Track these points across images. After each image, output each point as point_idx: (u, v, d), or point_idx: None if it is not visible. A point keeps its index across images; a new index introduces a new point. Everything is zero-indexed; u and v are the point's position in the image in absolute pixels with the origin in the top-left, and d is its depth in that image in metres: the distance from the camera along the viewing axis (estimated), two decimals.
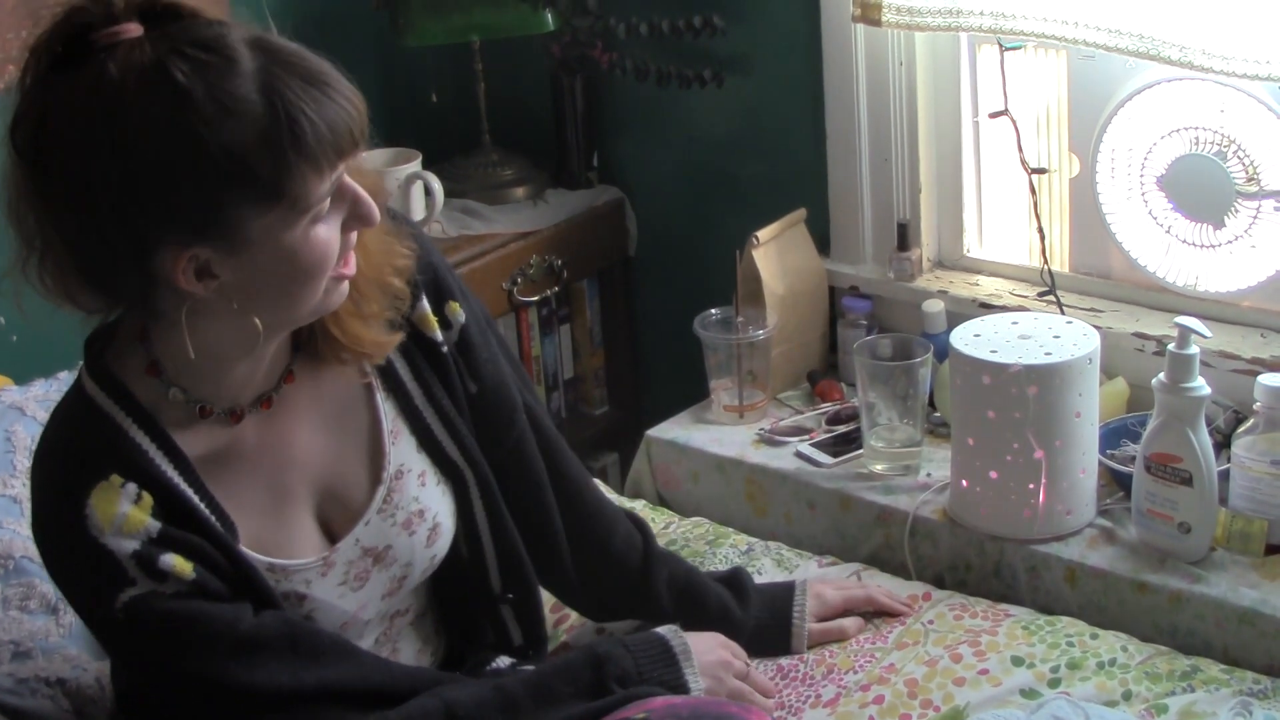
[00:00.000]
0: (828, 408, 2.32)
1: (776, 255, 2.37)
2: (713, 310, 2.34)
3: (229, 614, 1.36)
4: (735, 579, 1.78)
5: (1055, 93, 2.26)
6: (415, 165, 2.58)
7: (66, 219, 1.25)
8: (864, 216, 2.43)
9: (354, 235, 1.35)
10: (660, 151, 2.72)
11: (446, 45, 2.75)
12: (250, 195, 1.24)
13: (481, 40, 2.70)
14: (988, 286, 2.34)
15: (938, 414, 2.20)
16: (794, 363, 2.42)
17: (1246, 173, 2.03)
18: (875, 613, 1.82)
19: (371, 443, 1.49)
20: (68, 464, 1.35)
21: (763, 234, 2.35)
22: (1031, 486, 1.91)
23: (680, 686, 1.53)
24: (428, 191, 2.55)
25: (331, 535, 1.46)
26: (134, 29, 1.23)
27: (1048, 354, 1.89)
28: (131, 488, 1.33)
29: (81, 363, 1.40)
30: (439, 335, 1.51)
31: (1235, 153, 2.02)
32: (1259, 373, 1.86)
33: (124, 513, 1.32)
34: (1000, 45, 2.20)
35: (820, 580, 1.87)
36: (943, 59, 2.33)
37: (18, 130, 1.25)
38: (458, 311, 1.53)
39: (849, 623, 1.79)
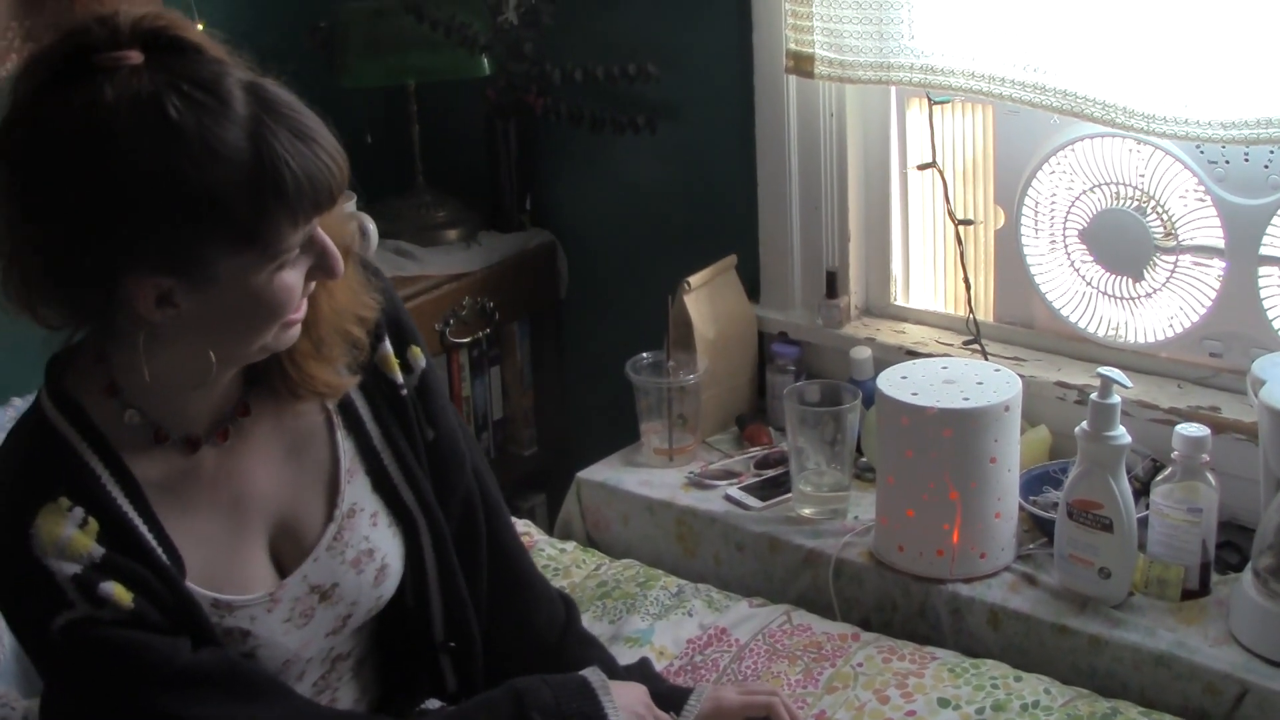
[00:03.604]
0: (756, 452, 2.35)
1: (707, 300, 2.40)
2: (644, 354, 2.37)
3: (166, 647, 1.35)
4: (641, 671, 1.72)
5: (981, 146, 2.31)
6: (350, 205, 2.59)
7: (41, 228, 1.25)
8: (794, 263, 2.47)
9: (312, 283, 1.36)
10: (593, 196, 2.75)
11: (382, 87, 2.77)
12: (224, 236, 1.25)
13: (417, 83, 2.72)
14: (914, 334, 2.39)
15: (865, 459, 2.23)
16: (724, 407, 2.45)
17: (1165, 228, 2.08)
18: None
19: (329, 478, 1.49)
20: (17, 482, 1.35)
21: (694, 279, 2.38)
22: (946, 527, 1.95)
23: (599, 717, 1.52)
24: (363, 232, 2.55)
25: (282, 569, 1.46)
26: (135, 57, 1.24)
27: (965, 399, 1.93)
28: (79, 512, 1.33)
29: (42, 384, 1.40)
30: (399, 378, 1.52)
31: (1154, 208, 2.08)
32: (1176, 422, 1.91)
33: (68, 535, 1.31)
34: (929, 99, 2.25)
35: (726, 685, 1.77)
36: (873, 111, 2.38)
37: (6, 134, 1.26)
38: (419, 356, 1.54)
39: None
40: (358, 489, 1.50)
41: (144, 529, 1.36)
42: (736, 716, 1.63)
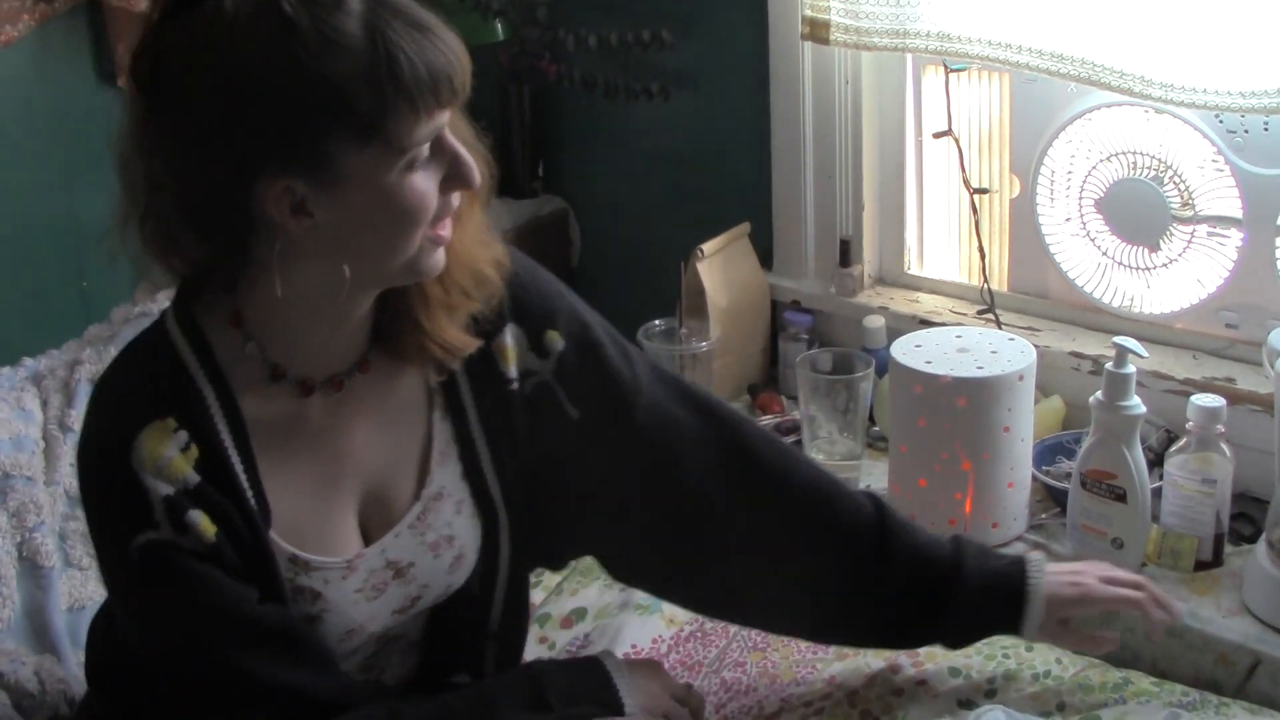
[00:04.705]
0: (769, 420, 2.34)
1: (720, 268, 2.40)
2: (656, 321, 2.36)
3: (236, 591, 1.35)
4: (976, 549, 1.65)
5: (998, 115, 2.30)
6: None
7: (175, 151, 1.27)
8: (807, 232, 2.46)
9: (454, 201, 1.34)
10: (606, 163, 2.74)
11: None
12: (347, 129, 1.25)
13: None
14: (928, 303, 2.38)
15: (877, 428, 2.23)
16: (735, 375, 2.44)
17: (1182, 198, 2.07)
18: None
19: (421, 457, 1.48)
20: (129, 395, 1.36)
21: (707, 247, 2.37)
22: (958, 496, 1.94)
23: (615, 704, 1.52)
24: None
25: (367, 537, 1.46)
26: None
27: (979, 368, 1.92)
28: (183, 435, 1.33)
29: (169, 305, 1.41)
30: (512, 371, 1.49)
31: (1171, 178, 2.07)
32: (1191, 393, 1.90)
33: (169, 457, 1.32)
34: (945, 67, 2.23)
35: (1089, 566, 1.68)
36: (888, 79, 2.37)
37: (138, 63, 1.28)
38: (555, 340, 1.51)
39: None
40: (448, 473, 1.49)
41: (240, 469, 1.36)
42: (1099, 607, 1.63)
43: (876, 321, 2.32)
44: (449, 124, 1.32)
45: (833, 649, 1.78)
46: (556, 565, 1.75)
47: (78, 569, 1.90)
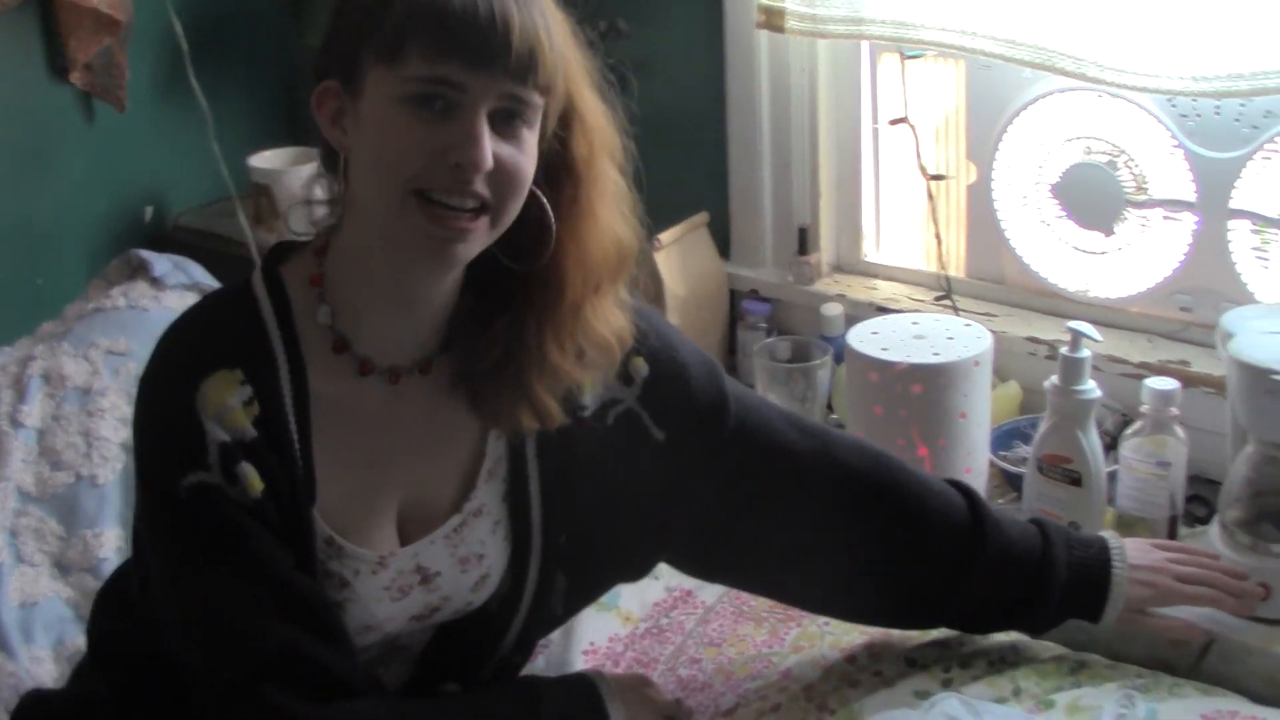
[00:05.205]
0: None
1: (678, 258, 2.39)
2: None
3: (274, 550, 1.35)
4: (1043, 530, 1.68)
5: (954, 101, 2.30)
6: (313, 166, 2.57)
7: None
8: (765, 221, 2.46)
9: (458, 176, 1.29)
10: None
11: None
12: (374, 40, 1.28)
13: None
14: (885, 291, 2.38)
15: (835, 415, 2.23)
16: None
17: (1136, 182, 2.08)
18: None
19: (467, 470, 1.47)
20: (203, 339, 1.37)
21: (665, 237, 2.37)
22: None
23: None
24: None
25: (402, 538, 1.45)
26: None
27: (936, 354, 1.92)
28: (248, 389, 1.34)
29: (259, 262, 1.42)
30: (586, 399, 1.49)
31: (1125, 162, 2.07)
32: (1146, 376, 1.91)
33: (231, 406, 1.33)
34: (901, 54, 2.23)
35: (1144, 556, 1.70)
36: (844, 67, 2.36)
37: None
38: (641, 367, 1.51)
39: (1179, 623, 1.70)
40: (491, 491, 1.48)
41: (296, 437, 1.36)
42: (1174, 600, 1.67)
43: (834, 309, 2.32)
44: (589, 162, 1.38)
45: (788, 642, 1.78)
46: (636, 577, 1.73)
47: (29, 565, 1.89)
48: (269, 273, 1.39)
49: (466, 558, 1.47)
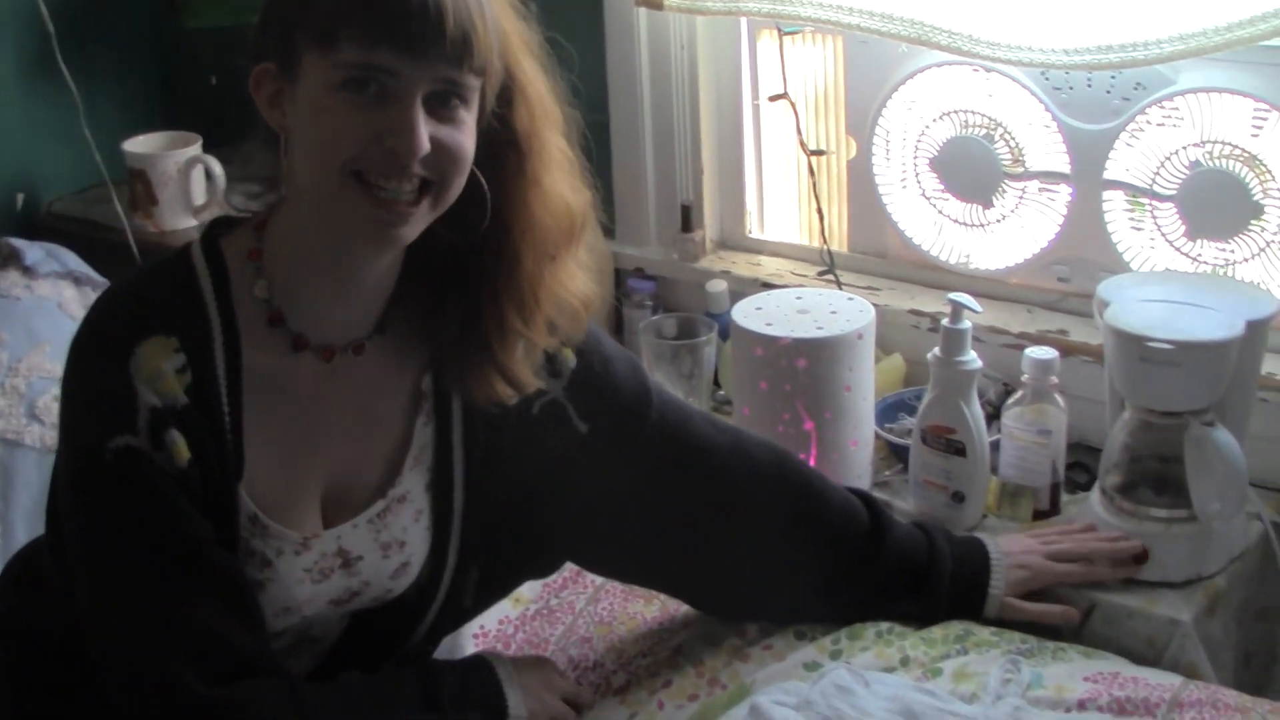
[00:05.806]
0: None
1: None
2: None
3: (195, 523, 1.33)
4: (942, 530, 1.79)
5: (832, 77, 2.31)
6: (195, 149, 2.53)
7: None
8: (648, 199, 2.45)
9: (393, 159, 1.29)
10: None
11: (227, 26, 2.70)
12: (308, 24, 1.27)
13: None
14: (769, 266, 2.39)
15: (722, 392, 2.24)
16: None
17: (1012, 155, 2.10)
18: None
19: (392, 456, 1.46)
20: (141, 305, 1.35)
21: None
22: (802, 457, 1.95)
23: (501, 710, 1.53)
24: (209, 175, 2.50)
25: (325, 520, 1.44)
26: None
27: (819, 328, 1.94)
28: (181, 358, 1.32)
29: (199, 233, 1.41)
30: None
31: (1002, 135, 2.10)
32: (1025, 346, 1.94)
33: (164, 371, 1.31)
34: (779, 30, 2.24)
35: (1020, 544, 1.80)
36: (724, 44, 2.37)
37: None
38: (569, 358, 1.52)
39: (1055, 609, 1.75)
40: (415, 479, 1.47)
41: (226, 410, 1.34)
42: (1048, 579, 1.75)
43: (719, 286, 2.32)
44: (543, 140, 1.39)
45: (679, 618, 1.79)
46: (545, 572, 1.76)
47: None
48: (208, 244, 1.39)
49: (389, 543, 1.47)
